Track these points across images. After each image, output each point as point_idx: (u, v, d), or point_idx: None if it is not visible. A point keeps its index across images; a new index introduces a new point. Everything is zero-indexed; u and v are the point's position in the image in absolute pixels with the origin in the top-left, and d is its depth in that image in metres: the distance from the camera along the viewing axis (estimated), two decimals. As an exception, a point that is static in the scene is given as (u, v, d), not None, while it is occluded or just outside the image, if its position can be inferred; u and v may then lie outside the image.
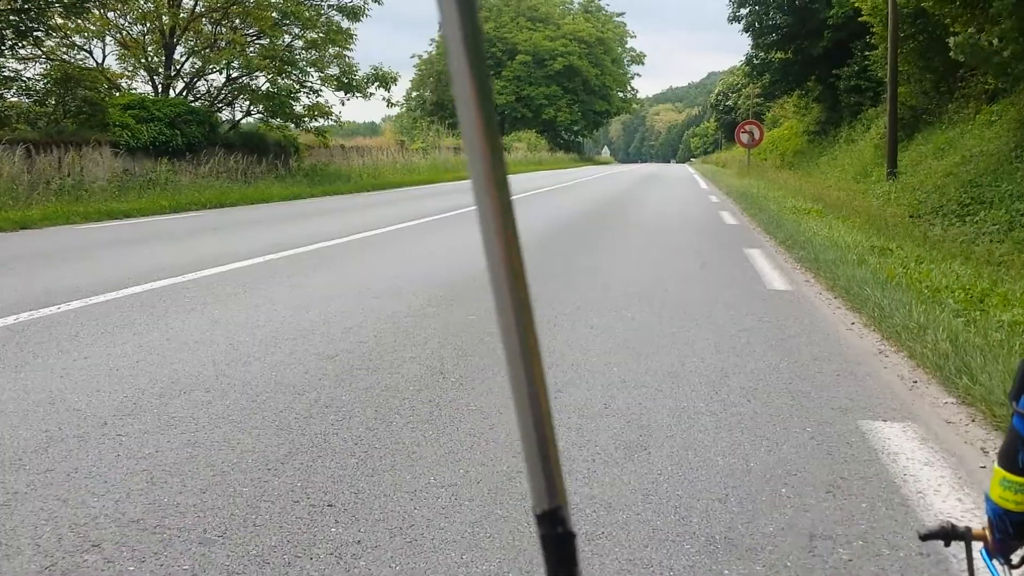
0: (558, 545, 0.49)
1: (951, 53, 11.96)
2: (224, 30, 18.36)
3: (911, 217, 12.00)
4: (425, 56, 66.37)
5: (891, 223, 10.27)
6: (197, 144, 17.32)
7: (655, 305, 5.22)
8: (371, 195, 18.41)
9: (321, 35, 19.29)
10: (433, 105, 67.21)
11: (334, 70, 20.28)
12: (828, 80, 26.60)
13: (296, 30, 19.20)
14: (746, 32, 27.59)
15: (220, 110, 19.57)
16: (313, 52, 19.85)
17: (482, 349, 4.04)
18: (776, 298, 5.56)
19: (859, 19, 19.77)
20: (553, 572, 0.49)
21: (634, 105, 77.17)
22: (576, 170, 42.12)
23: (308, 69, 19.65)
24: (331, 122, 21.13)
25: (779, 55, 27.82)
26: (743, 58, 28.68)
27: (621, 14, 69.94)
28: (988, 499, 0.94)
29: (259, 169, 18.63)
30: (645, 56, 72.92)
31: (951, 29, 13.27)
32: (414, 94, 67.99)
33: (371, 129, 38.42)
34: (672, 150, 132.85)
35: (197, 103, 18.77)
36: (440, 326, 4.58)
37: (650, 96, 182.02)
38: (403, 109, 67.30)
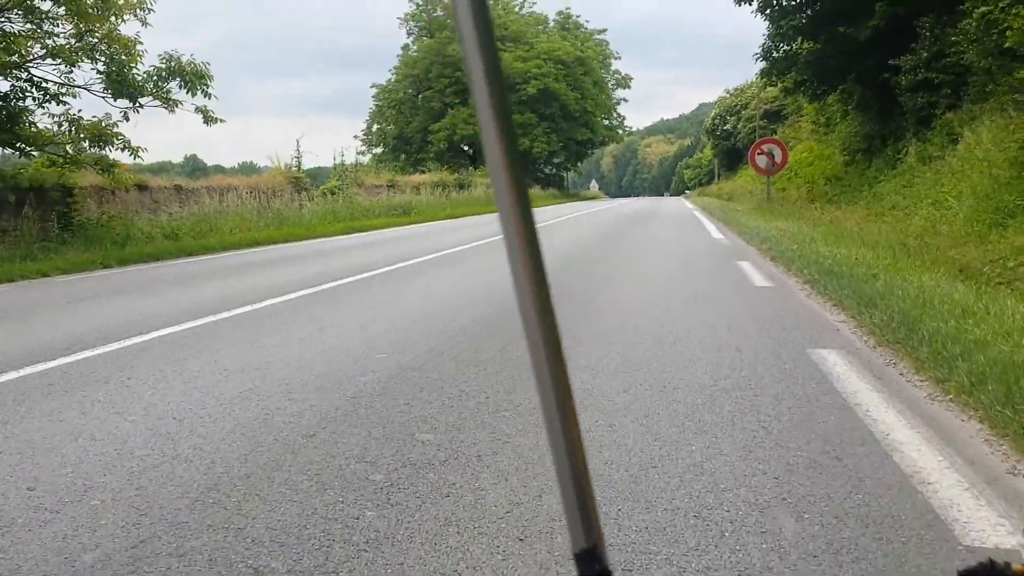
0: None
1: None
2: None
3: None
4: (384, 84, 58.82)
5: None
6: None
7: None
8: (119, 273, 10.32)
9: (53, 2, 11.21)
10: (395, 139, 59.34)
11: (99, 63, 12.26)
12: (878, 77, 18.73)
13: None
14: (762, 14, 19.75)
15: None
16: (57, 36, 11.81)
17: None
18: None
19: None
20: None
21: (620, 133, 68.92)
22: (550, 208, 33.98)
23: (30, 52, 11.58)
24: (119, 150, 13.14)
25: (807, 44, 19.97)
26: (758, 51, 20.76)
27: (603, 31, 62.35)
28: None
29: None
30: (631, 79, 65.28)
31: None
32: (375, 127, 60.32)
33: (322, 173, 30.37)
34: (665, 183, 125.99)
35: None
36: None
37: (641, 128, 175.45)
38: (363, 146, 59.40)
